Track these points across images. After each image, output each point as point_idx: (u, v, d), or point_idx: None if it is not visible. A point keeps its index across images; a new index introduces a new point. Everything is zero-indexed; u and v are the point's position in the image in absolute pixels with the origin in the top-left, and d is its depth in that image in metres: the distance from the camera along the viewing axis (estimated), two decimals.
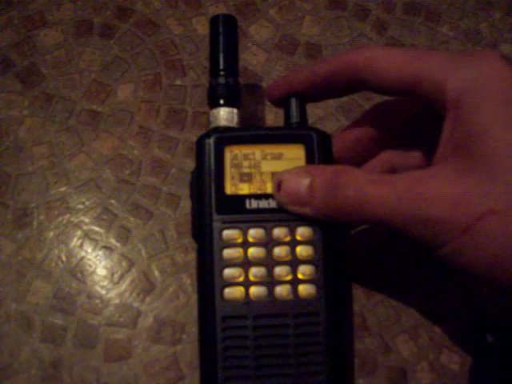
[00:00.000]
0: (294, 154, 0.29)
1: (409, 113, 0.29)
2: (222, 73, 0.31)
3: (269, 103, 0.32)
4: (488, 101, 0.21)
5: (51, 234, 0.35)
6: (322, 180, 0.25)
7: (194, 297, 0.33)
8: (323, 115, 0.38)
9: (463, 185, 0.21)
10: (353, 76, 0.26)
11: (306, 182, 0.26)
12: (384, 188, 0.23)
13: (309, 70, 0.28)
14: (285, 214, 0.28)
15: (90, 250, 0.34)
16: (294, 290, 0.27)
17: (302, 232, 0.28)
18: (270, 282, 0.27)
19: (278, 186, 0.27)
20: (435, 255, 0.23)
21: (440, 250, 0.22)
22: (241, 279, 0.27)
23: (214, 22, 0.32)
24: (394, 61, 0.24)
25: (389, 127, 0.29)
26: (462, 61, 0.23)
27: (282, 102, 0.31)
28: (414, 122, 0.29)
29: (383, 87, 0.25)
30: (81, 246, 0.34)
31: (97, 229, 0.35)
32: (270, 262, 0.28)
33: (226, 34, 0.32)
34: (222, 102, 0.31)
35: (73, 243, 0.34)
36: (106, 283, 0.33)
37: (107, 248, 0.34)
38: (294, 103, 0.31)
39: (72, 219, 0.35)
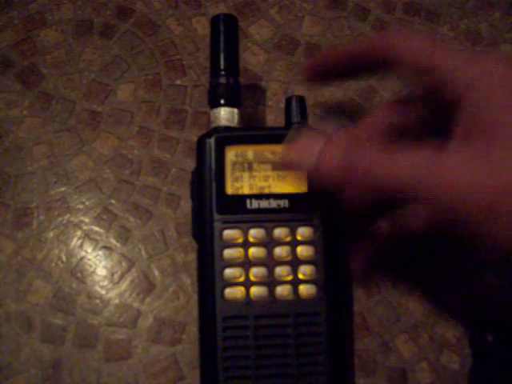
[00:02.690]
0: None
1: (423, 104, 0.29)
2: (222, 73, 0.31)
3: (269, 103, 0.32)
4: (502, 87, 0.22)
5: (51, 234, 0.35)
6: (337, 144, 0.25)
7: (194, 297, 0.33)
8: (323, 115, 0.38)
9: (481, 164, 0.21)
10: (381, 54, 0.27)
11: (320, 142, 0.25)
12: (400, 160, 0.23)
13: (342, 48, 0.29)
14: (285, 214, 0.28)
15: (89, 250, 0.34)
16: (295, 290, 0.27)
17: (303, 232, 0.28)
18: (271, 282, 0.28)
19: (291, 141, 0.26)
20: (458, 236, 0.22)
21: (463, 230, 0.22)
22: (241, 279, 0.27)
23: (215, 21, 0.32)
24: (419, 43, 0.25)
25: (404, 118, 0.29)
26: (476, 54, 0.24)
27: (317, 78, 0.30)
28: (427, 113, 0.29)
29: (405, 67, 0.26)
30: (81, 246, 0.34)
31: (97, 229, 0.35)
32: (270, 262, 0.28)
33: (226, 33, 0.32)
34: (222, 101, 0.31)
35: (73, 243, 0.34)
36: (106, 283, 0.33)
37: (107, 248, 0.34)
38: (294, 103, 0.31)
39: (72, 219, 0.35)
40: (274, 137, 0.30)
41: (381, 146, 0.24)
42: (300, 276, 0.28)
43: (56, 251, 0.34)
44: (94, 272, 0.34)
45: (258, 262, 0.28)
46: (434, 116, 0.28)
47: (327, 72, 0.29)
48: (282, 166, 0.27)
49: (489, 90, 0.22)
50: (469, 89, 0.23)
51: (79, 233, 0.35)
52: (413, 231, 0.28)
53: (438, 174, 0.22)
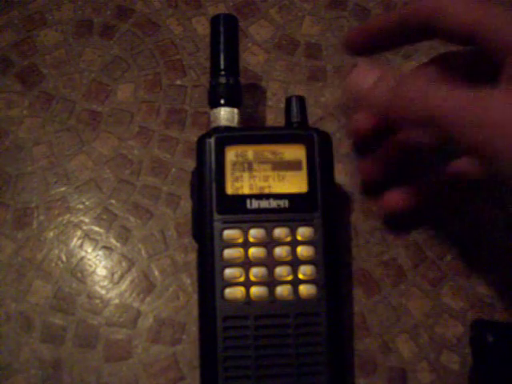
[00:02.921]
0: (294, 154, 0.29)
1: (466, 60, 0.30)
2: (222, 72, 0.31)
3: (269, 103, 0.32)
4: None
5: (51, 234, 0.35)
6: (392, 74, 0.27)
7: (194, 297, 0.33)
8: (323, 115, 0.38)
9: None
10: (422, 20, 0.27)
11: (377, 71, 0.27)
12: (451, 97, 0.24)
13: (384, 17, 0.29)
14: (285, 214, 0.28)
15: (89, 250, 0.34)
16: (295, 290, 0.27)
17: (303, 232, 0.28)
18: (271, 282, 0.28)
19: (352, 71, 0.28)
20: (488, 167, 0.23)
21: (489, 167, 0.23)
22: (241, 279, 0.27)
23: (215, 21, 0.32)
24: (461, 6, 0.26)
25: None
26: None
27: (359, 50, 0.31)
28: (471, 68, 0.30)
29: (448, 31, 0.27)
30: (81, 246, 0.34)
31: (97, 229, 0.35)
32: (270, 262, 0.28)
33: (226, 33, 0.32)
34: (222, 101, 0.31)
35: (73, 243, 0.34)
36: (106, 283, 0.33)
37: (107, 248, 0.34)
38: (294, 103, 0.31)
39: (72, 219, 0.35)
40: (274, 137, 0.30)
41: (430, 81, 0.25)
42: (300, 276, 0.28)
43: (56, 251, 0.34)
44: (94, 272, 0.34)
45: (258, 262, 0.28)
46: (477, 70, 0.29)
47: (367, 45, 0.30)
48: (345, 93, 0.28)
49: None
50: None
51: (79, 233, 0.35)
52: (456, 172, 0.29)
53: (485, 110, 0.22)
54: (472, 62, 0.29)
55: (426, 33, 0.28)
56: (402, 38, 0.30)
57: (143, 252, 0.34)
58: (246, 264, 0.28)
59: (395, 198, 0.33)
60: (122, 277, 0.34)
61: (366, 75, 0.27)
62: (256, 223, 0.28)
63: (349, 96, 0.28)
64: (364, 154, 0.35)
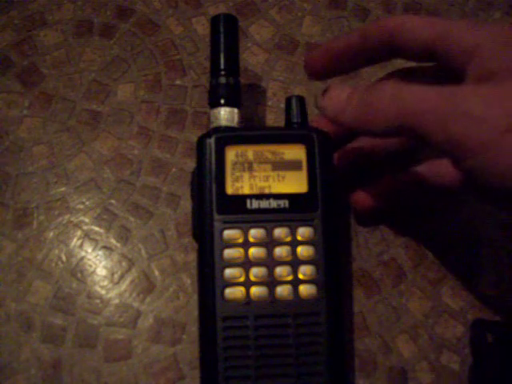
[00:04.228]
0: (294, 154, 0.29)
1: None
2: (222, 72, 0.31)
3: (269, 103, 0.32)
4: (506, 45, 0.24)
5: (51, 234, 0.35)
6: (362, 88, 0.26)
7: (194, 297, 0.33)
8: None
9: (492, 99, 0.22)
10: (384, 39, 0.28)
11: (347, 90, 0.27)
12: (421, 95, 0.24)
13: (344, 38, 0.29)
14: (285, 214, 0.28)
15: (90, 250, 0.34)
16: (295, 290, 0.27)
17: (303, 232, 0.28)
18: (271, 282, 0.28)
19: (324, 92, 0.28)
20: (458, 167, 0.23)
21: (463, 164, 0.23)
22: (241, 279, 0.27)
23: (215, 21, 0.32)
24: (421, 23, 0.26)
25: None
26: (478, 21, 0.26)
27: (321, 75, 0.31)
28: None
29: (409, 48, 0.27)
30: (81, 246, 0.34)
31: (97, 229, 0.35)
32: (270, 262, 0.28)
33: (226, 33, 0.32)
34: (222, 101, 0.31)
35: (73, 243, 0.34)
36: (106, 283, 0.33)
37: (107, 248, 0.34)
38: (294, 103, 0.31)
39: (72, 219, 0.35)
40: (274, 137, 0.30)
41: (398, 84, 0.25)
42: (300, 276, 0.28)
43: (56, 251, 0.34)
44: (93, 272, 0.34)
45: (258, 262, 0.28)
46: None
47: (329, 68, 0.30)
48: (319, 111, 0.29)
49: (496, 47, 0.24)
50: (477, 48, 0.24)
51: (79, 233, 0.35)
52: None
53: (458, 102, 0.22)
54: (433, 75, 0.30)
55: (388, 52, 0.28)
56: (363, 58, 0.29)
57: (143, 252, 0.34)
58: (246, 264, 0.28)
59: (363, 197, 0.32)
60: (121, 277, 0.34)
61: (338, 95, 0.27)
62: (256, 223, 0.28)
63: (323, 116, 0.28)
64: None
